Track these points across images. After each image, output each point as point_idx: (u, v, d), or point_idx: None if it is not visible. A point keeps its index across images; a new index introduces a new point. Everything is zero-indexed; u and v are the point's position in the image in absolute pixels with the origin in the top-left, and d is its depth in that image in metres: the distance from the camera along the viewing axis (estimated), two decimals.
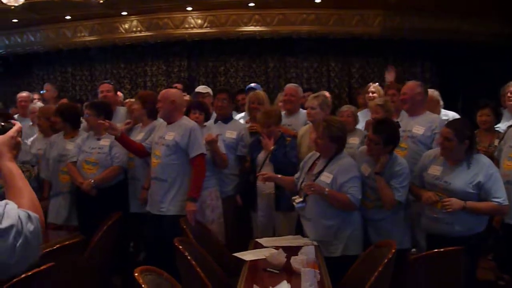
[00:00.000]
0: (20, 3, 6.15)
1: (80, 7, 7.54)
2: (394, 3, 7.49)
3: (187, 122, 4.50)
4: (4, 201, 1.44)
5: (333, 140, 3.89)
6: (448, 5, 7.74)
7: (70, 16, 8.70)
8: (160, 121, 4.79)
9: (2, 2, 6.13)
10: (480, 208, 3.62)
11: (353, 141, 4.66)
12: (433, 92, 5.20)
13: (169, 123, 4.50)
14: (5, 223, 1.37)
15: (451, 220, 3.62)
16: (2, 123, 1.70)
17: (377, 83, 6.11)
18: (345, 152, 4.01)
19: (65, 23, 9.10)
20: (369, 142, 3.91)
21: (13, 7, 6.18)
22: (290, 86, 5.62)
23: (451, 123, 3.83)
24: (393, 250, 3.13)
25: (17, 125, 1.70)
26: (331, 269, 3.30)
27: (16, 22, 8.91)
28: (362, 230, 3.92)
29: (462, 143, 3.62)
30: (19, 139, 1.68)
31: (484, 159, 3.73)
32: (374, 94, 5.79)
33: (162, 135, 4.46)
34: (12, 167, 1.60)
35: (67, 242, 3.77)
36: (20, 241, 1.38)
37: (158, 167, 4.40)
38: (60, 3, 7.35)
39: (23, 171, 4.85)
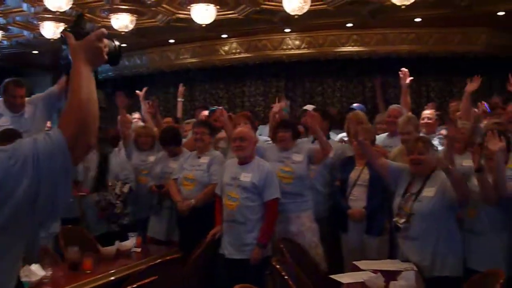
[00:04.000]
0: (130, 29, 6.54)
1: (183, 31, 7.87)
2: (502, 19, 7.09)
3: (262, 163, 4.40)
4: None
5: None
6: None
7: (174, 39, 9.11)
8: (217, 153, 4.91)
9: (114, 28, 6.54)
10: None
11: (467, 163, 4.32)
12: None
13: (243, 162, 4.39)
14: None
15: None
16: (85, 30, 1.68)
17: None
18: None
19: (169, 46, 9.54)
20: None
21: (123, 33, 6.58)
22: (394, 107, 5.54)
23: None
24: (501, 281, 2.95)
25: (99, 30, 1.68)
26: None
27: (125, 46, 9.46)
28: (462, 244, 3.76)
29: None
30: (99, 44, 1.66)
31: None
32: None
33: (235, 176, 4.33)
34: (79, 67, 1.59)
35: (167, 258, 3.91)
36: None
37: (236, 209, 4.27)
38: (165, 28, 7.72)
39: (110, 185, 4.91)
